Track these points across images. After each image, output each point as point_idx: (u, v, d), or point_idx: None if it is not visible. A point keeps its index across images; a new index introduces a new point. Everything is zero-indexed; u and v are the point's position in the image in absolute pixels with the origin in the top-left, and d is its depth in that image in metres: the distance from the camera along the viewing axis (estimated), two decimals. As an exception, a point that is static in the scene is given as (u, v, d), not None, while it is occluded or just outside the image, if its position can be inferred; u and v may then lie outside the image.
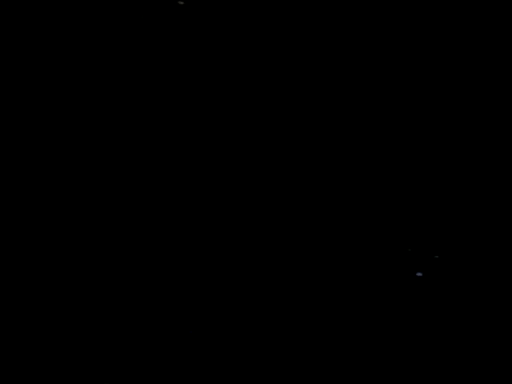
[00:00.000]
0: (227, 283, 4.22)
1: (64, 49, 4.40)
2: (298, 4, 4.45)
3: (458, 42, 4.36)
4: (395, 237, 4.19)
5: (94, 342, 4.08)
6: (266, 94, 4.47)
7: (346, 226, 4.24)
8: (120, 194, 4.38)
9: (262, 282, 4.24)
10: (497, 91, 4.28)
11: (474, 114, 4.29)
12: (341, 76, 4.50)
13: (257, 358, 4.05)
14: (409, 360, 3.95)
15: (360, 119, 4.40)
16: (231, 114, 4.44)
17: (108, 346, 4.08)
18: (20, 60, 4.38)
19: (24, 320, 4.10)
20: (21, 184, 4.33)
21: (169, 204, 4.40)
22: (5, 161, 4.33)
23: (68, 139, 4.40)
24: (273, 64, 4.53)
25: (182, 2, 4.32)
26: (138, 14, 4.40)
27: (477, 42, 4.32)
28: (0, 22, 4.34)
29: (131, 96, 4.43)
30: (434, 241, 4.20)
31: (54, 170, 4.36)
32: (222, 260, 4.25)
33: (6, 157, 4.33)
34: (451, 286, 4.06)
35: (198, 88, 4.47)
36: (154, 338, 4.12)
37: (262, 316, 4.15)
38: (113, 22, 4.41)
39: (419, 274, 4.07)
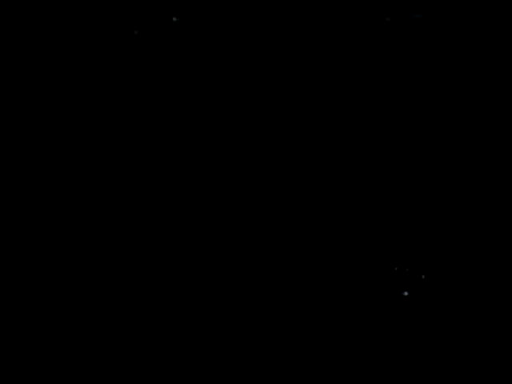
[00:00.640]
0: (226, 283, 4.23)
1: (61, 62, 4.41)
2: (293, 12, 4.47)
3: (458, 42, 4.35)
4: (382, 253, 4.21)
5: (91, 344, 4.10)
6: (261, 107, 4.48)
7: (334, 236, 4.26)
8: (119, 194, 4.39)
9: (242, 291, 4.26)
10: (497, 91, 4.27)
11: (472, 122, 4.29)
12: (340, 75, 4.49)
13: (256, 360, 4.06)
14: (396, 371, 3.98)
15: (359, 120, 4.40)
16: (228, 120, 4.46)
17: (106, 348, 4.10)
18: (20, 60, 4.39)
19: (24, 320, 4.12)
20: (21, 184, 4.34)
21: (168, 203, 4.41)
22: (5, 161, 4.35)
23: (68, 139, 4.41)
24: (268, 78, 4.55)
25: (175, 19, 4.37)
26: (132, 29, 4.41)
27: (477, 42, 4.31)
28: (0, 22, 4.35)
29: (128, 103, 4.45)
30: (421, 259, 4.21)
31: (54, 170, 4.37)
32: (220, 260, 4.26)
33: (6, 157, 4.35)
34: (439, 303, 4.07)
35: (193, 100, 4.48)
36: (153, 339, 4.13)
37: (247, 325, 4.17)
38: (108, 37, 4.42)
39: (406, 294, 4.09)
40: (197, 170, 4.45)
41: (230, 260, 4.27)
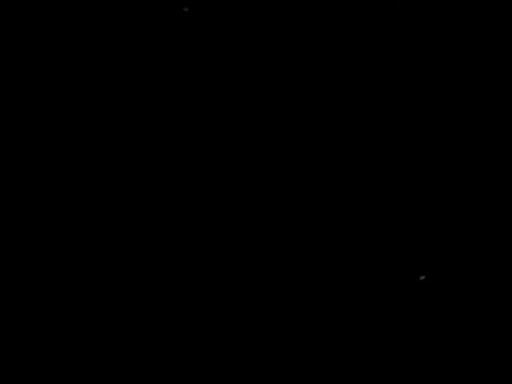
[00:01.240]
0: (226, 284, 4.25)
1: (68, 57, 4.43)
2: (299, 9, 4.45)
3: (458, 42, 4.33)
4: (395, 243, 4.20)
5: (91, 343, 4.14)
6: (267, 96, 4.48)
7: (345, 229, 4.26)
8: (119, 194, 4.42)
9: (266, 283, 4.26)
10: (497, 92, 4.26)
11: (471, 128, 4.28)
12: (340, 75, 4.49)
13: (256, 359, 4.08)
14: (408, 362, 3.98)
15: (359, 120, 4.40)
16: (231, 115, 4.47)
17: (105, 347, 4.13)
18: (20, 60, 4.41)
19: (24, 320, 4.16)
20: (21, 184, 4.37)
21: (168, 204, 4.43)
22: (5, 161, 4.37)
23: (68, 139, 4.43)
24: (274, 67, 4.55)
25: (186, 9, 4.35)
26: (142, 21, 4.41)
27: (477, 43, 4.29)
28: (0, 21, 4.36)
29: (132, 99, 4.46)
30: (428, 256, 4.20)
31: (54, 170, 4.40)
32: (220, 260, 4.29)
33: (6, 157, 4.38)
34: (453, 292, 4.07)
35: (200, 92, 4.50)
36: (153, 338, 4.16)
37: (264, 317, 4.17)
38: (116, 29, 4.43)
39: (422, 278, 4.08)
40: (197, 170, 4.47)
41: (230, 259, 4.30)
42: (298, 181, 4.40)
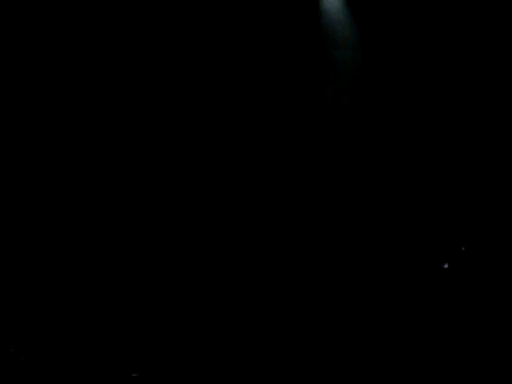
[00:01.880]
0: (226, 284, 4.15)
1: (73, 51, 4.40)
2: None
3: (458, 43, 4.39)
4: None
5: (91, 343, 3.99)
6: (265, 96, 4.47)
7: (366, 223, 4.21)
8: (120, 194, 4.34)
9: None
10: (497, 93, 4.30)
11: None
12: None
13: (257, 359, 3.95)
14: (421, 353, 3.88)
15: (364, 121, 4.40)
16: (231, 115, 4.44)
17: (105, 346, 4.00)
18: (20, 60, 4.37)
19: (24, 320, 4.02)
20: (21, 184, 4.28)
21: (168, 204, 4.35)
22: (5, 162, 4.29)
23: (68, 140, 4.37)
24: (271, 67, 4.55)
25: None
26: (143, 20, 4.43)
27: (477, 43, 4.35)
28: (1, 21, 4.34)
29: (132, 96, 4.43)
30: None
31: (56, 171, 4.32)
32: (220, 261, 4.19)
33: (7, 158, 4.29)
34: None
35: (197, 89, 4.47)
36: (152, 339, 4.04)
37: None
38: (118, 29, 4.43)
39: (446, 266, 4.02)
40: (196, 170, 4.41)
41: (230, 260, 4.20)
42: (302, 177, 4.35)
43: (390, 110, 4.37)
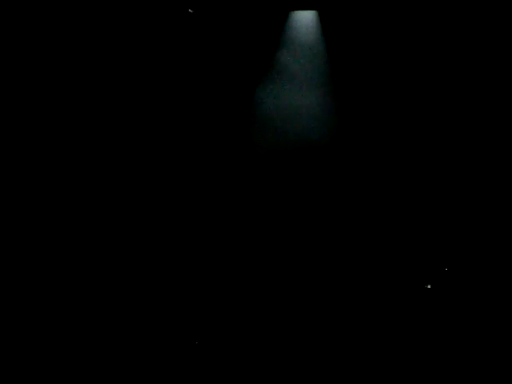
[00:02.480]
0: (226, 284, 4.20)
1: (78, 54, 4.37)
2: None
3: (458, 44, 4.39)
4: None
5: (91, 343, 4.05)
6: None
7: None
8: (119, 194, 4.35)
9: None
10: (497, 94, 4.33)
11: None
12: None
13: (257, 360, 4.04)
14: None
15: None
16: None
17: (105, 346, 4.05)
18: (21, 60, 4.33)
19: (24, 320, 4.08)
20: (22, 185, 4.27)
21: (168, 205, 4.37)
22: (5, 162, 4.28)
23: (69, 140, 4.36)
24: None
25: (191, 11, 4.38)
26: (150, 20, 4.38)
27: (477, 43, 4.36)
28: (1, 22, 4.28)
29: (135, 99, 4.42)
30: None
31: (57, 172, 4.32)
32: (220, 260, 4.23)
33: (7, 158, 4.28)
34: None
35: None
36: (153, 340, 4.10)
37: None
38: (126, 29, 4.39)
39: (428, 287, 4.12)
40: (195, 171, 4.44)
41: (230, 259, 4.25)
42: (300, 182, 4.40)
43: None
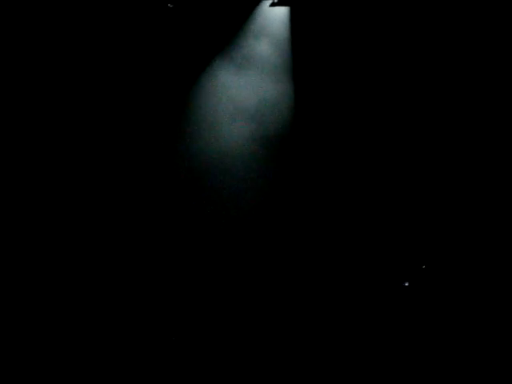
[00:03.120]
0: (225, 283, 4.20)
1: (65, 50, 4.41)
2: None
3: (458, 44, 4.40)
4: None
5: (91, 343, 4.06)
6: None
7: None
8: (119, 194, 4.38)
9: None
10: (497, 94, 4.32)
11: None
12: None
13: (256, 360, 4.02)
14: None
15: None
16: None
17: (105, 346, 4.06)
18: (21, 60, 4.39)
19: (24, 320, 4.11)
20: (22, 185, 4.33)
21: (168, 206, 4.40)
22: (6, 162, 4.33)
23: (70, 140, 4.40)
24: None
25: (171, 5, 4.44)
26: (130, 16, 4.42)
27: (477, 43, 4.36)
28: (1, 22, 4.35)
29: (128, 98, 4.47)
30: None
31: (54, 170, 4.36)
32: (220, 260, 4.24)
33: (7, 158, 4.34)
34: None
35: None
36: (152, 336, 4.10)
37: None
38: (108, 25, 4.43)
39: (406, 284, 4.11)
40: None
41: (229, 260, 4.26)
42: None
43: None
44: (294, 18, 4.46)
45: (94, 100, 4.42)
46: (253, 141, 4.50)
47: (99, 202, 4.34)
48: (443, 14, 4.36)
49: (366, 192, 4.33)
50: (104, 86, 4.44)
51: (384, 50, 4.39)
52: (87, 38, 4.42)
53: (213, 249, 4.29)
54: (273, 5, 4.44)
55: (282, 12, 4.45)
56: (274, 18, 4.47)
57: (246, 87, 4.53)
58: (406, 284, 4.10)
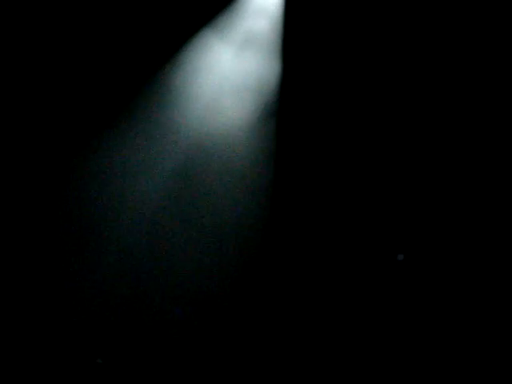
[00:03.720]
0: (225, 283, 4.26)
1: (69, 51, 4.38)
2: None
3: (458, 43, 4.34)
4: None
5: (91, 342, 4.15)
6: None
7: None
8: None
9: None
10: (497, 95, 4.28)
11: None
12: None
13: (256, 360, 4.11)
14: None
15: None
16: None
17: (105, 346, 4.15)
18: (21, 60, 4.36)
19: (24, 320, 4.13)
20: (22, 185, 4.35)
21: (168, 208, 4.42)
22: (6, 163, 4.34)
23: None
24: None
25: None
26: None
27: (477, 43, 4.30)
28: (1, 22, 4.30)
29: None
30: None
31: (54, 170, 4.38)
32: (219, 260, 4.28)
33: (7, 159, 4.34)
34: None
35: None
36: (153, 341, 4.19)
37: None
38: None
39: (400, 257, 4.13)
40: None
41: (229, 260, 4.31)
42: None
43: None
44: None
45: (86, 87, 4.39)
46: (254, 118, 4.48)
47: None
48: (441, 9, 4.26)
49: (361, 176, 4.34)
50: (103, 80, 4.41)
51: (382, 30, 4.33)
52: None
53: (212, 243, 4.33)
54: None
55: None
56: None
57: (245, 66, 4.49)
58: (401, 257, 4.11)
